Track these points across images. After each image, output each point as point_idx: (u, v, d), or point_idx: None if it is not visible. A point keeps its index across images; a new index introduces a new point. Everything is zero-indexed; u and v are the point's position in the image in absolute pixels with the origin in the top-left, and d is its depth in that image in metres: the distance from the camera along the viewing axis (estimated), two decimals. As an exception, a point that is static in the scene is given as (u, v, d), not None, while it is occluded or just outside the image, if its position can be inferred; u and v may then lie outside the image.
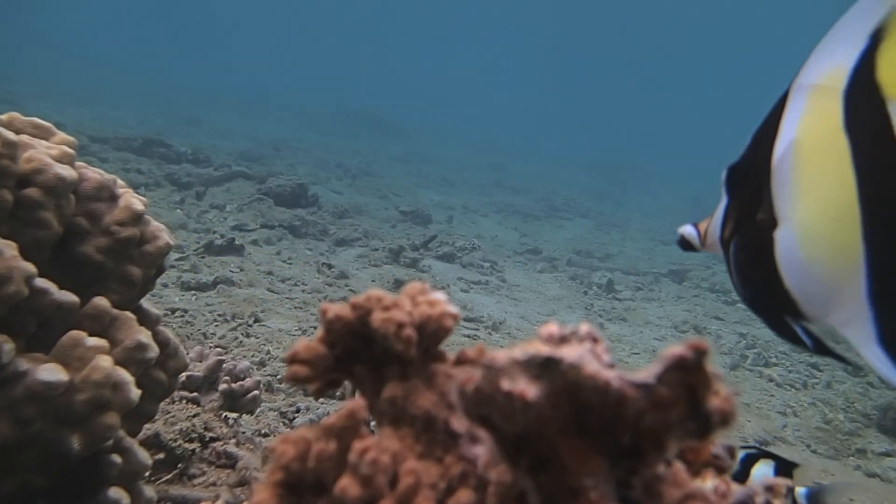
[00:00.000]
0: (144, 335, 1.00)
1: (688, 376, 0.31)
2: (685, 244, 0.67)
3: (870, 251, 0.52)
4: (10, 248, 0.88)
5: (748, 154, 0.61)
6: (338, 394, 2.03)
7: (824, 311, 0.56)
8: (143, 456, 1.05)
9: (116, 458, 0.99)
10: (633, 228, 8.19)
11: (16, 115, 1.08)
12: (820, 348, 0.60)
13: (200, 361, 1.54)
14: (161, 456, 1.26)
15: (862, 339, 0.54)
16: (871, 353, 0.53)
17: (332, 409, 1.99)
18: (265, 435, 1.61)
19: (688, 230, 0.66)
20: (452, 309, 0.41)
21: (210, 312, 2.78)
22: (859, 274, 0.52)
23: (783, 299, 0.57)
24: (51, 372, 0.88)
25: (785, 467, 0.92)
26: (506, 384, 0.34)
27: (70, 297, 0.95)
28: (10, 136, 0.95)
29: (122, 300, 1.06)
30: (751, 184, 0.59)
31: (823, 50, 0.57)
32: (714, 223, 0.63)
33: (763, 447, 1.09)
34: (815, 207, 0.54)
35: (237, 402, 1.50)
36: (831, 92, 0.55)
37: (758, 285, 0.59)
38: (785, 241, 0.55)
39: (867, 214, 0.51)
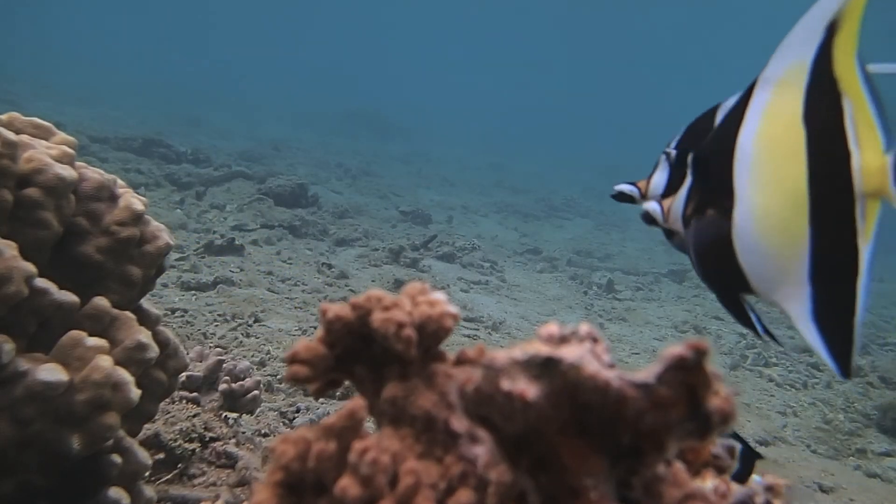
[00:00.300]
0: (144, 335, 1.00)
1: (688, 376, 0.31)
2: (625, 197, 0.77)
3: (814, 235, 0.58)
4: (10, 248, 0.88)
5: (713, 140, 0.66)
6: (338, 394, 2.03)
7: (771, 287, 0.61)
8: (143, 456, 1.05)
9: (116, 458, 0.99)
10: (634, 228, 8.18)
11: (16, 115, 1.08)
12: (764, 331, 0.65)
13: (200, 361, 1.54)
14: (161, 456, 1.26)
15: (799, 315, 0.59)
16: (805, 327, 0.59)
17: (332, 409, 1.99)
18: (265, 435, 1.61)
19: (625, 186, 0.76)
20: (452, 309, 0.41)
21: (210, 312, 2.78)
22: (804, 255, 0.58)
23: (736, 275, 0.62)
24: (51, 372, 0.88)
25: (748, 457, 0.96)
26: (506, 384, 0.34)
27: (70, 297, 0.95)
28: (10, 136, 0.95)
29: (122, 300, 1.06)
30: (714, 168, 0.64)
31: (787, 45, 0.61)
32: (677, 202, 0.70)
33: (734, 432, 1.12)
34: (770, 193, 0.59)
35: (237, 402, 1.50)
36: (794, 87, 0.59)
37: (715, 261, 0.64)
38: (741, 222, 0.60)
39: (814, 201, 0.57)
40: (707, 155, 0.66)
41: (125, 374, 0.92)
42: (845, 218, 0.57)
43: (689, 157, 0.67)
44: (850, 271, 0.59)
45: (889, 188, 0.57)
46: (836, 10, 0.58)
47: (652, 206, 0.74)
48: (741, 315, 0.66)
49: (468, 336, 3.24)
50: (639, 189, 0.76)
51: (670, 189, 0.72)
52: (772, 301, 0.63)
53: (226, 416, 1.47)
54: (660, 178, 0.75)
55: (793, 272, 0.59)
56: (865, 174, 0.57)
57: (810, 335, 0.59)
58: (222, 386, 1.50)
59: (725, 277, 0.64)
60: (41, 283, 0.92)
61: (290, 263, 3.86)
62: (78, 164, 1.08)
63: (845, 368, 0.59)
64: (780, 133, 0.59)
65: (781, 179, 0.58)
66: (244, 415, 1.55)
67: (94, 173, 1.09)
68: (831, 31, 0.58)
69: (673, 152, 0.72)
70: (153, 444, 1.26)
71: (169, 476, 1.26)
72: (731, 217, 0.61)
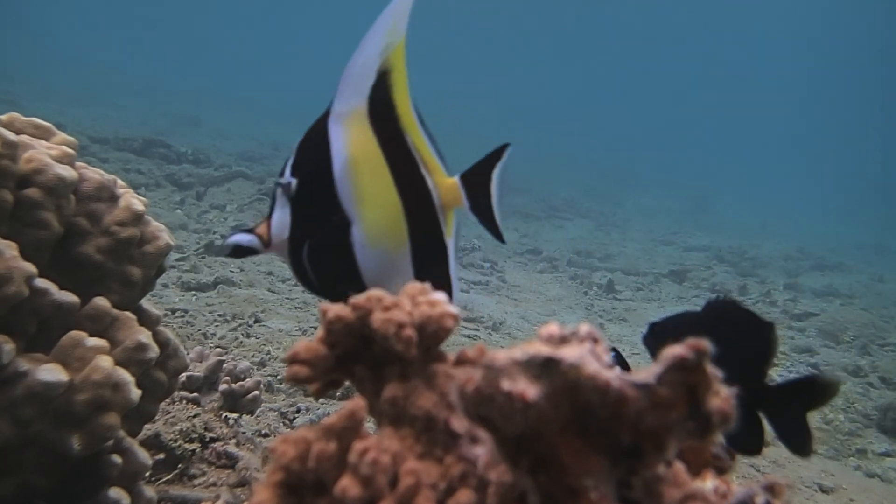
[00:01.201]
0: (145, 335, 1.00)
1: (688, 376, 0.31)
2: (241, 251, 0.77)
3: (412, 237, 0.75)
4: (10, 248, 0.88)
5: (304, 171, 0.76)
6: (338, 394, 2.03)
7: (387, 285, 0.73)
8: (144, 456, 1.05)
9: (116, 459, 0.99)
10: (634, 229, 8.18)
11: (16, 115, 1.08)
12: None
13: (201, 362, 1.54)
14: (161, 456, 1.26)
15: None
16: None
17: (333, 410, 1.98)
18: (265, 435, 1.61)
19: (242, 238, 0.76)
20: (453, 309, 0.41)
21: (210, 313, 2.78)
22: (407, 253, 0.76)
23: (357, 282, 0.75)
24: (51, 372, 0.88)
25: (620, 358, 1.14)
26: (506, 384, 0.34)
27: (70, 297, 0.95)
28: (11, 136, 0.95)
29: (122, 300, 1.06)
30: (316, 194, 0.74)
31: (346, 85, 0.75)
32: (279, 227, 0.75)
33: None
34: (374, 208, 0.74)
35: (237, 402, 1.50)
36: (364, 124, 0.75)
37: (336, 274, 0.75)
38: (358, 236, 0.74)
39: (408, 214, 0.74)
40: (304, 183, 0.75)
41: (125, 375, 0.92)
42: (433, 224, 0.76)
43: (293, 186, 0.74)
44: (442, 260, 0.76)
45: (463, 201, 0.78)
46: (382, 59, 0.73)
47: (238, 238, 0.75)
48: None
49: (468, 336, 3.24)
50: (259, 237, 0.76)
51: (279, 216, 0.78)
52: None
53: (226, 416, 1.47)
54: (283, 215, 0.76)
55: (401, 268, 0.74)
56: (441, 192, 0.77)
57: None
58: (222, 386, 1.50)
59: (346, 286, 0.73)
60: (41, 283, 0.92)
61: (291, 264, 3.85)
62: (78, 164, 1.08)
63: None
64: (367, 162, 0.74)
65: (381, 199, 0.74)
66: (244, 415, 1.55)
67: (95, 173, 1.09)
68: (383, 75, 0.73)
69: (291, 181, 0.75)
70: (153, 444, 1.26)
71: (169, 476, 1.26)
72: (350, 234, 0.74)
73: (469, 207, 0.79)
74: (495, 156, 0.83)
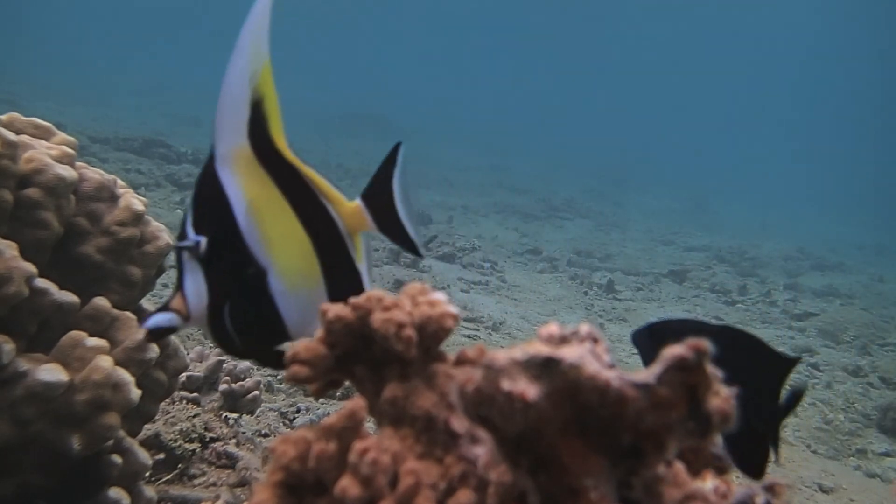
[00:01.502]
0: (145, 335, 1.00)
1: (688, 376, 0.31)
2: (161, 334, 0.70)
3: (325, 271, 0.71)
4: (10, 248, 0.88)
5: (208, 228, 0.70)
6: (338, 394, 2.03)
7: (309, 329, 0.71)
8: (144, 456, 1.05)
9: (116, 459, 0.99)
10: (634, 229, 8.18)
11: (16, 115, 1.08)
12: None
13: (200, 361, 1.54)
14: (161, 456, 1.26)
15: None
16: None
17: (333, 410, 1.98)
18: (265, 435, 1.61)
19: (159, 320, 0.69)
20: (453, 309, 0.41)
21: (210, 313, 2.78)
22: (322, 287, 0.72)
23: (281, 332, 0.71)
24: (51, 372, 0.88)
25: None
26: (506, 384, 0.34)
27: (70, 297, 0.95)
28: (11, 136, 0.95)
29: (122, 300, 1.06)
30: (225, 249, 0.69)
31: (223, 122, 0.70)
32: (196, 296, 0.69)
33: None
34: (286, 251, 0.70)
35: (237, 402, 1.50)
36: (252, 162, 0.70)
37: (260, 328, 0.71)
38: (276, 284, 0.70)
39: (317, 247, 0.71)
40: (214, 241, 0.69)
41: (125, 375, 0.92)
42: (343, 254, 0.73)
43: (203, 246, 0.68)
44: (358, 288, 0.74)
45: (368, 224, 0.75)
46: (251, 88, 0.68)
47: (155, 321, 0.68)
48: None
49: (468, 336, 3.24)
50: (177, 312, 0.69)
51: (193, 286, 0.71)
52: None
53: (226, 416, 1.47)
54: (197, 281, 0.70)
55: (319, 306, 0.71)
56: (345, 219, 0.74)
57: None
58: (222, 386, 1.50)
59: (272, 339, 0.72)
60: (41, 283, 0.92)
61: (291, 264, 3.86)
62: (78, 164, 1.08)
63: None
64: (268, 204, 0.70)
65: (290, 240, 0.71)
66: (244, 415, 1.55)
67: (95, 173, 1.09)
68: (256, 106, 0.69)
69: (200, 241, 0.69)
70: (153, 444, 1.26)
71: (169, 476, 1.26)
72: (268, 283, 0.70)
73: (377, 228, 0.75)
74: (390, 163, 0.78)
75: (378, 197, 0.76)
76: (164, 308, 0.69)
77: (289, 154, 0.72)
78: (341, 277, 0.73)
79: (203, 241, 0.69)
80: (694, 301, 5.08)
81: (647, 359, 0.76)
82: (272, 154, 0.71)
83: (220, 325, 0.70)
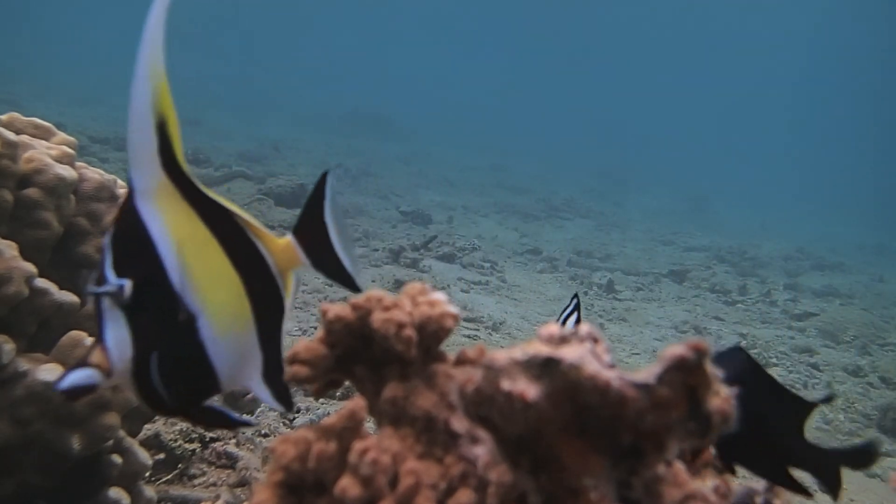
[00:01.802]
0: (145, 335, 1.00)
1: (688, 377, 0.31)
2: (79, 393, 0.62)
3: (255, 311, 0.67)
4: (10, 248, 0.88)
5: (132, 270, 0.63)
6: (338, 394, 2.03)
7: (238, 375, 0.67)
8: (144, 456, 1.05)
9: (117, 459, 0.99)
10: (634, 229, 8.18)
11: (16, 115, 1.08)
12: (240, 420, 0.71)
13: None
14: (161, 456, 1.27)
15: (256, 382, 0.68)
16: (258, 387, 0.68)
17: (333, 410, 1.98)
18: (265, 435, 1.61)
19: (77, 378, 0.60)
20: (453, 309, 0.41)
21: (210, 313, 2.78)
22: (253, 329, 0.67)
23: (212, 380, 0.66)
24: (51, 372, 0.88)
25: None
26: (506, 384, 0.34)
27: (70, 297, 0.95)
28: (11, 136, 0.95)
29: (122, 300, 1.05)
30: (152, 293, 0.63)
31: (136, 152, 0.63)
32: (119, 348, 0.62)
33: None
34: (217, 292, 0.65)
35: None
36: (172, 195, 0.64)
37: (191, 380, 0.65)
38: (207, 329, 0.64)
39: (247, 286, 0.66)
40: (145, 283, 0.62)
41: (125, 375, 0.92)
42: (274, 294, 0.69)
43: (127, 291, 0.61)
44: (279, 324, 0.70)
45: (301, 260, 0.70)
46: (154, 110, 0.61)
47: (71, 380, 0.59)
48: (220, 421, 0.69)
49: (468, 336, 3.24)
50: (97, 368, 0.61)
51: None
52: (241, 386, 0.70)
53: (226, 416, 1.47)
54: (120, 331, 0.62)
55: (249, 350, 0.67)
56: (276, 256, 0.69)
57: (263, 393, 0.68)
58: (222, 386, 1.50)
59: (202, 389, 0.67)
60: (41, 283, 0.92)
61: (291, 264, 3.86)
62: (78, 164, 1.08)
63: (289, 407, 0.70)
64: (195, 242, 0.64)
65: (221, 281, 0.65)
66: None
67: (95, 173, 1.09)
68: (161, 129, 0.62)
69: (123, 285, 0.61)
70: (153, 444, 1.26)
71: (169, 476, 1.26)
72: (198, 330, 0.63)
73: (311, 265, 0.70)
74: (319, 194, 0.72)
75: (310, 231, 0.71)
76: (83, 363, 0.60)
77: (201, 184, 0.65)
78: (272, 318, 0.69)
79: (127, 284, 0.61)
80: (694, 301, 5.08)
81: None
82: (191, 187, 0.64)
83: (147, 380, 0.63)
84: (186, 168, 0.64)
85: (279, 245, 0.69)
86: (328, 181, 0.73)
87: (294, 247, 0.70)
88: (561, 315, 1.29)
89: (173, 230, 0.63)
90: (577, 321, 1.30)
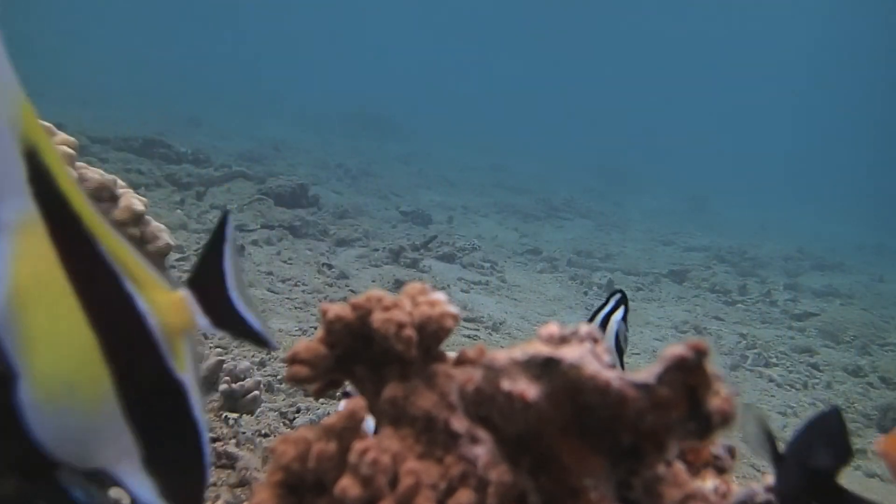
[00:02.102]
0: (145, 335, 0.99)
1: (688, 377, 0.31)
2: None
3: (117, 379, 0.53)
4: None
5: None
6: (338, 394, 2.03)
7: (89, 455, 0.55)
8: (144, 456, 1.05)
9: (117, 459, 0.99)
10: (634, 229, 8.19)
11: (16, 115, 1.08)
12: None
13: (200, 362, 1.54)
14: (161, 456, 1.26)
15: (125, 469, 0.56)
16: (130, 476, 0.55)
17: (333, 410, 1.98)
18: (265, 435, 1.61)
19: None
20: (453, 309, 0.41)
21: (210, 313, 2.78)
22: (114, 404, 0.53)
23: (34, 460, 0.55)
24: None
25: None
26: (506, 384, 0.34)
27: None
28: (11, 136, 0.95)
29: (122, 300, 1.05)
30: None
31: None
32: None
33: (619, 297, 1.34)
34: (50, 352, 0.51)
35: (237, 402, 1.50)
36: (35, 229, 0.51)
37: (3, 451, 0.54)
38: (27, 395, 0.51)
39: (106, 347, 0.52)
40: None
41: (125, 375, 0.92)
42: (153, 360, 0.55)
43: None
44: (179, 408, 0.56)
45: (198, 320, 0.57)
46: (18, 136, 0.51)
47: None
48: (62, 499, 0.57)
49: (468, 336, 3.24)
50: None
51: None
52: (99, 469, 0.57)
53: (226, 416, 1.47)
54: None
55: (108, 430, 0.55)
56: (161, 314, 0.55)
57: (135, 486, 0.56)
58: (222, 386, 1.50)
59: (22, 466, 0.57)
60: None
61: (291, 264, 3.86)
62: (78, 164, 1.08)
63: None
64: (41, 289, 0.52)
65: (61, 338, 0.52)
66: (244, 415, 1.55)
67: (95, 174, 1.09)
68: (31, 158, 0.51)
69: None
70: (153, 444, 1.26)
71: (169, 476, 1.26)
72: (13, 393, 0.51)
73: (211, 324, 0.58)
74: (219, 238, 0.60)
75: (208, 283, 0.59)
76: None
77: (89, 222, 0.54)
78: (148, 391, 0.55)
79: None
80: (694, 301, 5.08)
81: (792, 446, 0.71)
82: (65, 221, 0.53)
83: None
84: (78, 199, 0.53)
85: (167, 301, 0.56)
86: (229, 222, 0.61)
87: (187, 304, 0.57)
88: (597, 313, 1.27)
89: (17, 273, 0.51)
90: (624, 318, 1.31)
